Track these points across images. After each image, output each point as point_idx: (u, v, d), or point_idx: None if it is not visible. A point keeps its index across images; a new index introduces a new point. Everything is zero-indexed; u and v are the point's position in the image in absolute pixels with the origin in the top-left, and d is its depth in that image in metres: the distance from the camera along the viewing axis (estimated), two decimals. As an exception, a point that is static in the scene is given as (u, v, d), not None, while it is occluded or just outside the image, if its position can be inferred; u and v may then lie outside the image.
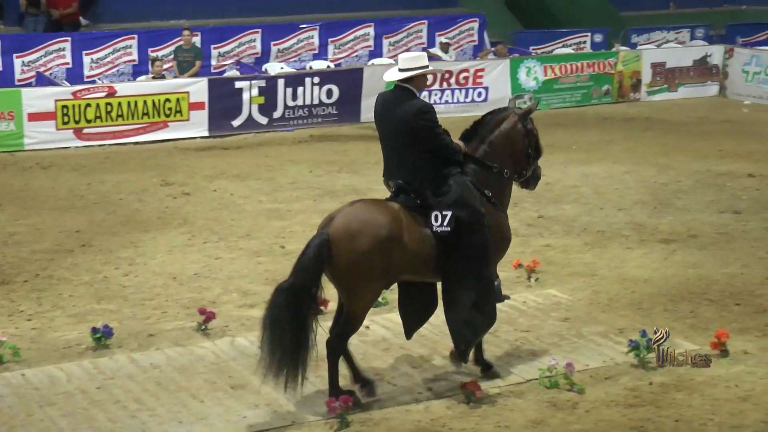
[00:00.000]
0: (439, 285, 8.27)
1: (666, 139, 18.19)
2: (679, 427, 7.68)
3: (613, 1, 27.19)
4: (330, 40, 22.40)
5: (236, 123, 18.99)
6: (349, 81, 19.81)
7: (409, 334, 8.50)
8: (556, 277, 11.08)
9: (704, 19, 26.31)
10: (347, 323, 7.88)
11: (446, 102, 20.45)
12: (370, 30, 22.77)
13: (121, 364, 8.74)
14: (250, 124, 19.09)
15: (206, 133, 18.76)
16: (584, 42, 24.02)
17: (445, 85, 20.47)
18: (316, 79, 19.59)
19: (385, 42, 22.84)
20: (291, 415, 7.80)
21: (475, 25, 23.67)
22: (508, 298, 9.12)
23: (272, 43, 21.90)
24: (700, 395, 8.18)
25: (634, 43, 23.65)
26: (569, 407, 7.96)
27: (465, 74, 20.59)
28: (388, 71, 8.37)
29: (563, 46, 23.54)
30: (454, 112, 20.33)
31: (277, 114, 19.26)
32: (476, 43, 23.56)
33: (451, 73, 20.51)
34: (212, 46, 21.38)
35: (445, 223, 7.91)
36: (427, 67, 8.18)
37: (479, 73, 20.69)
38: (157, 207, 13.99)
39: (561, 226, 13.01)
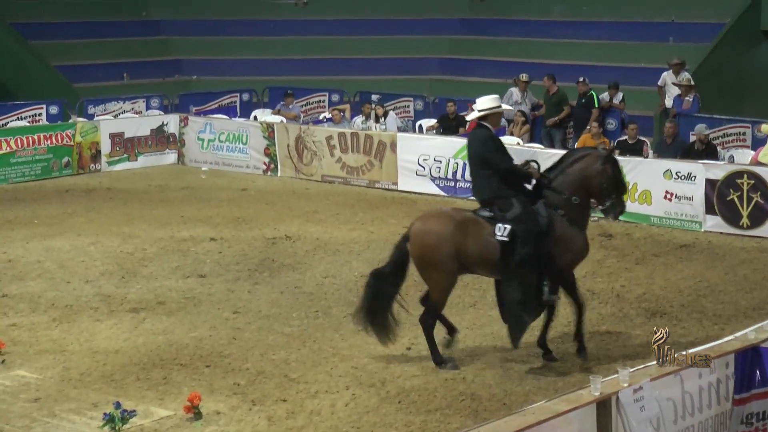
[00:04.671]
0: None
1: (128, 208, 18.29)
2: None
3: (65, 72, 26.95)
4: None
5: None
6: None
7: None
8: (23, 357, 10.73)
9: (158, 89, 26.81)
10: (431, 304, 10.40)
11: None
12: None
13: None
14: None
15: None
16: (40, 114, 23.50)
17: None
18: None
19: None
20: None
21: None
22: (558, 298, 10.50)
23: None
24: (177, 460, 8.29)
25: (91, 114, 23.53)
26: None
27: None
28: (470, 114, 11.19)
29: (18, 119, 22.93)
30: None
31: None
32: None
33: None
34: None
35: (504, 234, 10.05)
36: (497, 107, 10.47)
37: (-73, 151, 19.57)
38: None
39: (26, 303, 12.62)
